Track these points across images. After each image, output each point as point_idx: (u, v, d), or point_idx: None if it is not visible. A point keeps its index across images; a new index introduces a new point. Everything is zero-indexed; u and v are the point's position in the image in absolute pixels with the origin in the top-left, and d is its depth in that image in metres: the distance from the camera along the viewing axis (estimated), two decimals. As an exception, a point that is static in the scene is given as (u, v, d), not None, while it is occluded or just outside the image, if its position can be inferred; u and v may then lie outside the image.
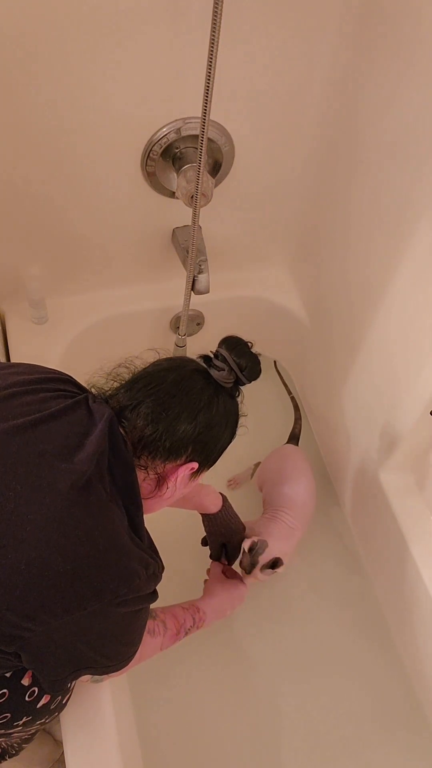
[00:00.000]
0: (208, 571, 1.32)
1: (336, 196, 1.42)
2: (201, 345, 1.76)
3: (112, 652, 0.85)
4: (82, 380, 0.99)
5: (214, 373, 0.94)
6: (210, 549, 1.33)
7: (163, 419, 0.87)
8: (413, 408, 1.23)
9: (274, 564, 1.25)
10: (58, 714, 0.98)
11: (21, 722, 0.89)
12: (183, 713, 1.38)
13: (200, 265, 1.40)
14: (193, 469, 0.91)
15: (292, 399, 1.82)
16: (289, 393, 1.84)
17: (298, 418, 1.76)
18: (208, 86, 1.04)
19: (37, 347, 1.54)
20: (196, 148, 1.17)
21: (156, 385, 0.89)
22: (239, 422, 0.98)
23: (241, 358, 0.95)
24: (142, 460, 0.88)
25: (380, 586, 1.54)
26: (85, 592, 0.74)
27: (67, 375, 0.96)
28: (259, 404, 1.88)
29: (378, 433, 1.39)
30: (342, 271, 1.46)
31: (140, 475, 0.89)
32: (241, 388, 0.99)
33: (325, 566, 1.62)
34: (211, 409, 0.91)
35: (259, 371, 0.98)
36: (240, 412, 0.98)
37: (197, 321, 1.74)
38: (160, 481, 0.90)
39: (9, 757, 1.16)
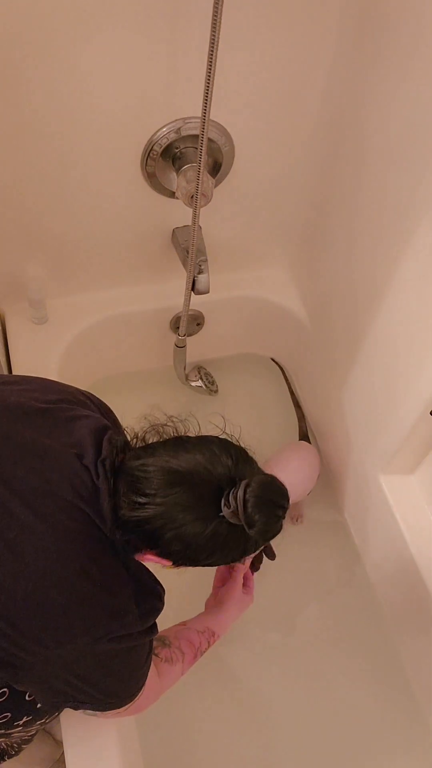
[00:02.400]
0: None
1: (337, 196, 1.42)
2: (201, 345, 1.77)
3: (108, 689, 0.83)
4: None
5: (222, 502, 0.77)
6: None
7: (141, 511, 0.77)
8: (413, 408, 1.23)
9: None
10: (59, 714, 0.98)
11: (21, 722, 0.89)
12: (183, 713, 1.38)
13: (200, 265, 1.40)
14: (164, 564, 0.82)
15: (293, 396, 1.83)
16: (290, 389, 1.84)
17: (301, 417, 1.77)
18: (208, 86, 1.04)
19: (37, 347, 1.54)
20: (196, 148, 1.17)
21: (157, 475, 0.78)
22: (242, 559, 0.83)
23: (257, 513, 0.76)
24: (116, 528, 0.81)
25: (380, 586, 1.54)
26: (77, 626, 0.74)
27: (82, 394, 0.94)
28: (258, 402, 1.88)
29: (378, 433, 1.39)
30: (342, 270, 1.46)
31: None
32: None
33: (324, 566, 1.62)
34: (193, 530, 0.77)
35: (273, 535, 0.81)
36: (252, 545, 0.82)
37: (197, 321, 1.74)
38: (134, 549, 0.83)
39: (9, 758, 1.15)
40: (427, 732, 1.41)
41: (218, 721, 1.39)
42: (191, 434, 0.86)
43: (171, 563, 0.82)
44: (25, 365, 1.50)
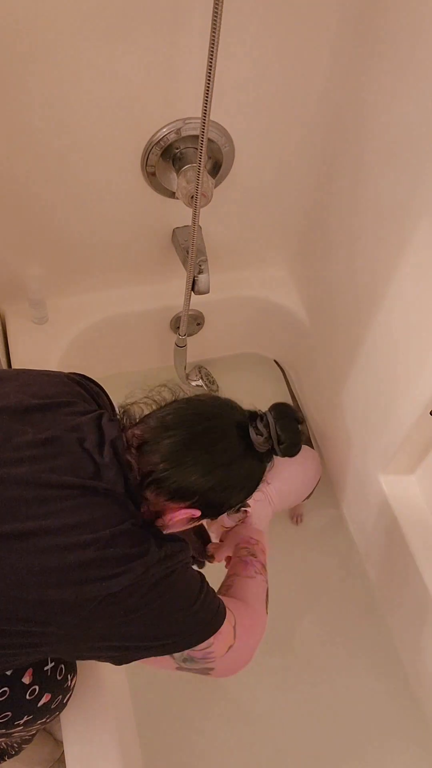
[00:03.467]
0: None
1: (336, 196, 1.42)
2: (201, 345, 1.78)
3: (170, 624, 0.81)
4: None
5: (252, 434, 0.88)
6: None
7: (179, 463, 0.82)
8: (413, 408, 1.23)
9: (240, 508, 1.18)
10: (59, 713, 0.99)
11: (21, 722, 0.89)
12: (183, 713, 1.38)
13: (200, 265, 1.40)
14: (194, 515, 0.86)
15: (294, 401, 1.83)
16: (291, 393, 1.85)
17: (302, 421, 1.77)
18: (208, 86, 1.04)
19: (37, 347, 1.54)
20: (196, 149, 1.17)
21: (187, 426, 0.84)
22: (258, 488, 0.92)
23: (284, 432, 0.89)
24: (146, 493, 0.84)
25: (380, 586, 1.54)
26: (101, 580, 0.74)
27: (77, 384, 0.94)
28: (259, 402, 1.88)
29: (378, 433, 1.39)
30: (342, 270, 1.46)
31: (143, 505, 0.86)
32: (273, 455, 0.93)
33: (324, 567, 1.62)
34: (232, 469, 0.85)
35: (297, 450, 0.91)
36: (263, 479, 0.93)
37: (197, 321, 1.74)
38: (157, 515, 0.86)
39: (9, 757, 1.16)
40: (427, 732, 1.41)
41: (218, 721, 1.39)
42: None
43: (199, 514, 0.85)
44: (25, 365, 1.49)
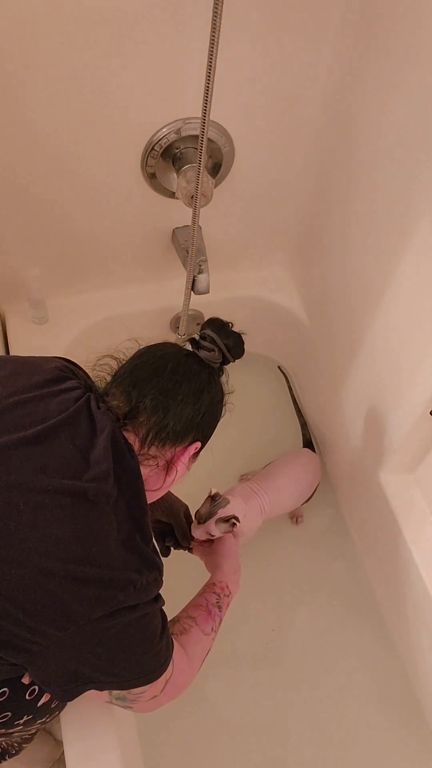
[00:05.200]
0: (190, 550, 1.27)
1: (336, 196, 1.42)
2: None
3: (126, 663, 0.82)
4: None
5: (203, 354, 0.97)
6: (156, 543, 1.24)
7: (171, 407, 0.88)
8: (413, 408, 1.23)
9: (230, 520, 1.21)
10: (59, 713, 0.98)
11: (21, 721, 0.89)
12: (183, 712, 1.38)
13: (200, 265, 1.40)
14: (197, 448, 0.93)
15: (295, 404, 1.82)
16: (293, 397, 1.84)
17: (303, 424, 1.77)
18: (208, 86, 1.04)
19: (37, 347, 1.54)
20: (196, 149, 1.17)
21: (157, 375, 0.91)
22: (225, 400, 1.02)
23: (227, 338, 0.99)
24: (152, 451, 0.89)
25: (380, 586, 1.54)
26: (85, 603, 0.74)
27: (65, 369, 0.94)
28: (257, 400, 1.88)
29: (378, 432, 1.39)
30: (342, 270, 1.46)
31: (148, 470, 0.89)
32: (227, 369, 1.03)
33: (324, 566, 1.62)
34: (211, 389, 0.94)
35: (244, 350, 1.02)
36: (225, 390, 1.02)
37: (197, 321, 1.74)
38: (169, 467, 0.92)
39: (9, 757, 1.15)
40: (427, 733, 1.41)
41: (218, 721, 1.39)
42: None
43: (200, 444, 0.93)
44: (25, 365, 1.50)
